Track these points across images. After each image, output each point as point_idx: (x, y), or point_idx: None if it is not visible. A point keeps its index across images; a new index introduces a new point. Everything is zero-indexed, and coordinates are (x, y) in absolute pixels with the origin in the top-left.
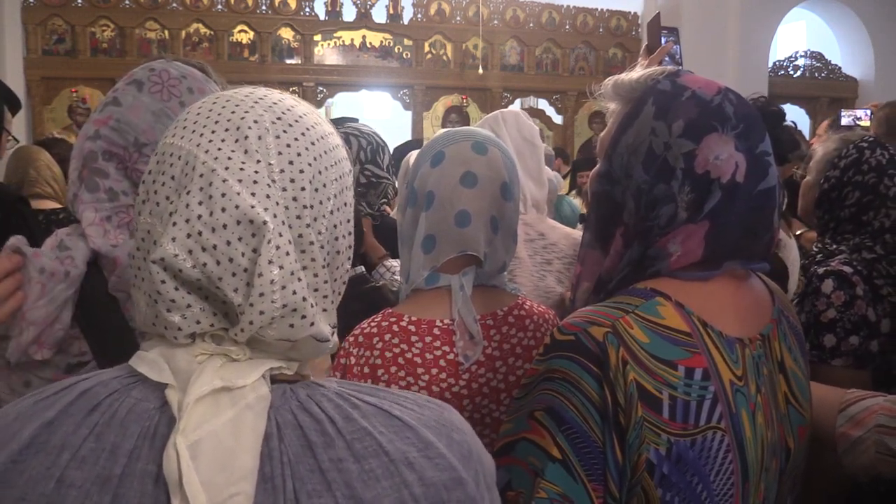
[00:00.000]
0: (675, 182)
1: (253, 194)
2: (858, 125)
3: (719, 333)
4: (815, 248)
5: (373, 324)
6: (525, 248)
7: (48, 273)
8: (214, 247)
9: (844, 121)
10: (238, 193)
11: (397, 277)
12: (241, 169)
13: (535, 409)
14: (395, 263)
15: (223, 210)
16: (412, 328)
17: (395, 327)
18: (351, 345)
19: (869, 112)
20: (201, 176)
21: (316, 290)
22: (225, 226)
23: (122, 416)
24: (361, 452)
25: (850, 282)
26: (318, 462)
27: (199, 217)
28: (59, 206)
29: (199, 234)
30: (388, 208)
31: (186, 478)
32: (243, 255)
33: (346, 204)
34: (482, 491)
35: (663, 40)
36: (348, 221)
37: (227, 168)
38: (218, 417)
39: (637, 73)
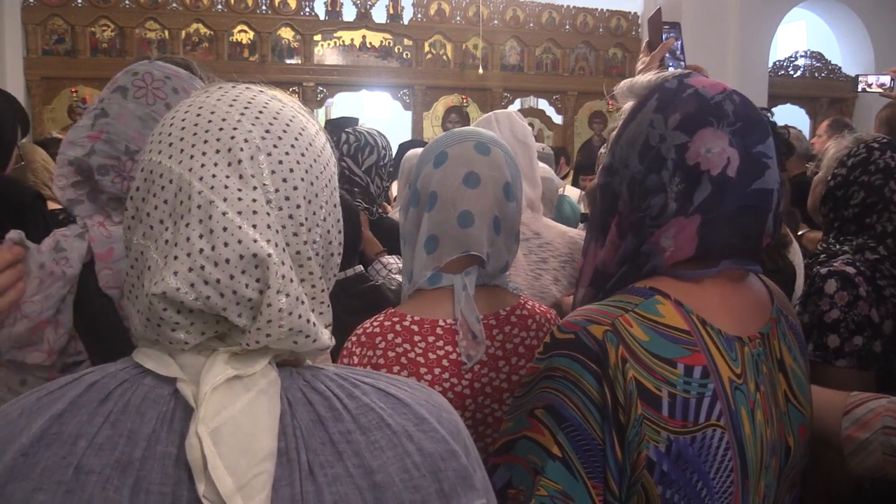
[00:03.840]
0: (666, 172)
1: (254, 226)
2: (871, 92)
3: (718, 332)
4: (819, 248)
5: (375, 323)
6: (520, 247)
7: (47, 271)
8: (218, 281)
9: (861, 86)
10: (240, 227)
11: (394, 276)
12: (240, 199)
13: (535, 408)
14: (391, 260)
15: (226, 245)
16: (415, 328)
17: (397, 327)
18: (354, 344)
19: (890, 78)
20: (199, 207)
21: (313, 298)
22: (228, 260)
23: (136, 402)
24: (367, 425)
25: (853, 282)
26: (329, 434)
27: (201, 251)
28: (59, 206)
29: (202, 268)
30: (387, 206)
31: (211, 463)
32: (247, 286)
33: (335, 205)
34: (473, 464)
35: (664, 36)
36: (338, 221)
37: (225, 199)
38: (234, 404)
39: (652, 74)
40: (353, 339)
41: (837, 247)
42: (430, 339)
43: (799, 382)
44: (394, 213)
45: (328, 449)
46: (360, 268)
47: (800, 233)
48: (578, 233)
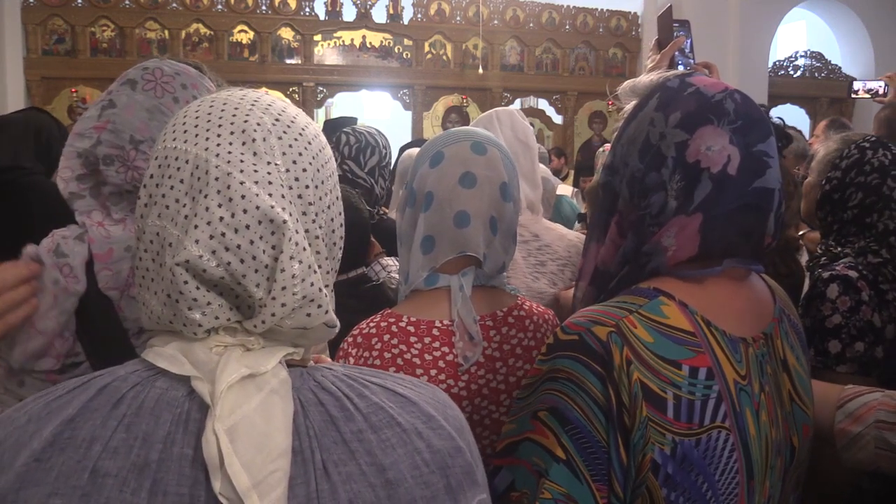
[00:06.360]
0: (666, 170)
1: (270, 195)
2: (860, 98)
3: (723, 333)
4: (819, 250)
5: (371, 324)
6: (519, 249)
7: (62, 287)
8: (238, 246)
9: (851, 92)
10: (257, 195)
11: (394, 275)
12: (255, 171)
13: (538, 409)
14: (390, 262)
15: (245, 211)
16: (411, 329)
17: (393, 328)
18: (350, 345)
19: (884, 84)
20: (217, 179)
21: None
22: (248, 226)
23: (150, 405)
24: (377, 424)
25: (855, 287)
26: (341, 434)
27: (221, 219)
28: None
29: (223, 235)
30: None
31: (228, 460)
32: (264, 252)
33: (337, 198)
34: (476, 460)
35: (674, 34)
36: (340, 215)
37: (241, 171)
38: (248, 403)
39: (656, 74)
40: (350, 339)
41: (839, 249)
42: (427, 340)
43: (802, 382)
44: (391, 212)
45: (341, 448)
46: (361, 269)
47: (799, 233)
48: (577, 236)
